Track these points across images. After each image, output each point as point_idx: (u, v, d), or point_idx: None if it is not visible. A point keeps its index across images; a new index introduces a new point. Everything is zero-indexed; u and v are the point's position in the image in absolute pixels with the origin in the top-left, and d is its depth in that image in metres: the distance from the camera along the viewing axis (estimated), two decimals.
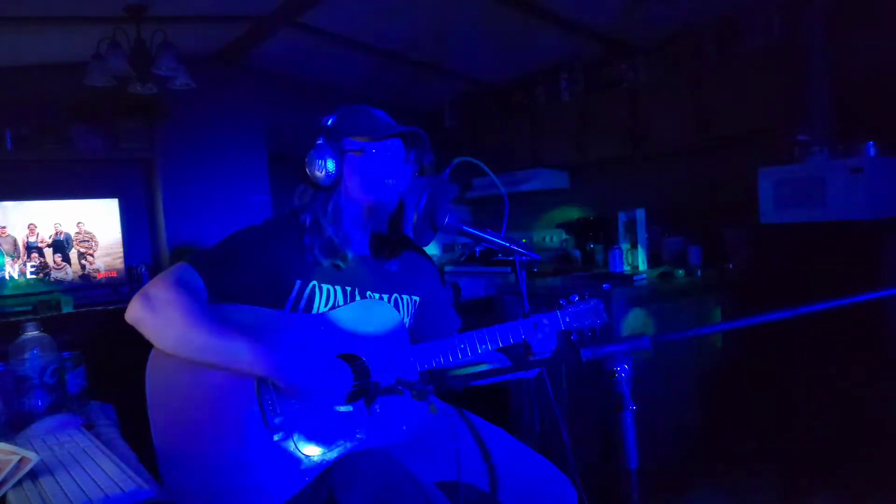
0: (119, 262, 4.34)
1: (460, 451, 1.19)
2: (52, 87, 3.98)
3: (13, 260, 3.99)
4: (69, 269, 4.18)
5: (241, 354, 1.22)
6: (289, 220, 1.43)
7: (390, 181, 1.40)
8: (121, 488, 1.00)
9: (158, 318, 1.23)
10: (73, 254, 4.20)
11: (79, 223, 4.21)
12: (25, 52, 3.85)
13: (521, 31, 3.98)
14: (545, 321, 1.46)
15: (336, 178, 1.39)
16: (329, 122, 1.43)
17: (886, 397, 2.48)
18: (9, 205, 3.99)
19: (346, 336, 1.36)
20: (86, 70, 3.37)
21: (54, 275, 4.12)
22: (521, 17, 3.76)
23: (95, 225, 4.27)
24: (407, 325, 1.51)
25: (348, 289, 1.42)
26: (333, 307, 1.39)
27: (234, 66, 4.70)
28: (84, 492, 0.99)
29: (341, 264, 1.40)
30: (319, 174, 1.38)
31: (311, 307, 1.37)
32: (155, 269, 4.50)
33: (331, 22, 3.98)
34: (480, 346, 1.42)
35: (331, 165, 1.38)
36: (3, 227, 3.96)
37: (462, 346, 1.41)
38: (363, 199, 1.42)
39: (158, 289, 1.25)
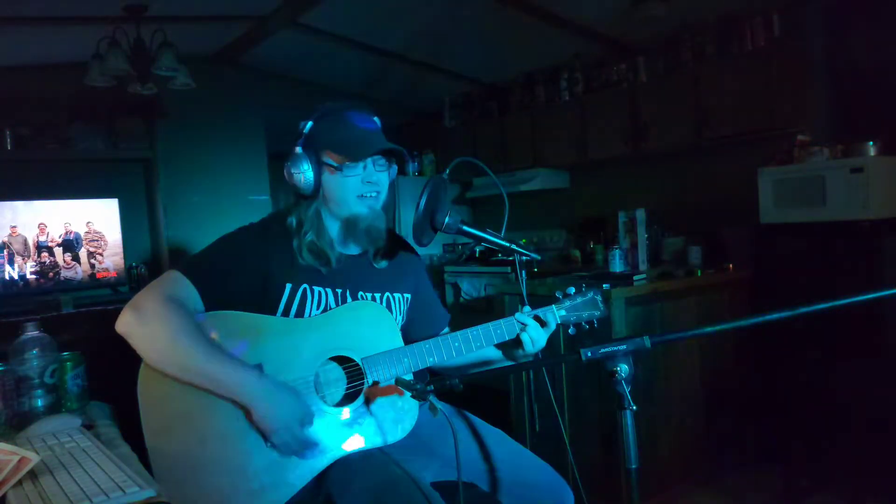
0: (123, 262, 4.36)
1: (460, 452, 1.18)
2: (52, 87, 3.98)
3: (24, 259, 4.00)
4: (79, 269, 4.18)
5: (218, 383, 1.22)
6: (277, 222, 1.42)
7: (364, 196, 1.38)
8: (121, 488, 1.00)
9: (144, 332, 1.22)
10: (82, 253, 4.20)
11: (88, 223, 4.22)
12: (25, 52, 3.85)
13: (521, 31, 3.98)
14: (542, 316, 1.45)
15: (315, 188, 1.37)
16: (306, 128, 1.39)
17: (886, 397, 2.48)
18: (19, 204, 4.00)
19: (338, 338, 1.35)
20: (86, 70, 3.37)
21: (64, 274, 4.13)
22: (520, 17, 3.76)
23: (104, 225, 4.27)
24: (400, 323, 1.50)
25: (339, 290, 1.40)
26: (325, 309, 1.38)
27: (234, 66, 4.70)
28: (84, 492, 0.99)
29: (324, 269, 1.39)
30: (299, 183, 1.37)
31: (304, 310, 1.36)
32: (155, 269, 4.50)
33: (331, 22, 3.98)
34: (475, 344, 1.42)
35: (309, 176, 1.36)
36: (14, 227, 3.97)
37: (456, 343, 1.41)
38: (340, 212, 1.40)
39: (148, 301, 1.24)
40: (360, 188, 1.38)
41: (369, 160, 1.38)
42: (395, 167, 1.45)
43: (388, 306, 1.48)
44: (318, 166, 1.37)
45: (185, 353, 1.20)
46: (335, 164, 1.36)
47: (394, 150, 1.39)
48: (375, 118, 1.45)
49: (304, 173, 1.36)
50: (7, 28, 3.45)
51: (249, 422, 1.25)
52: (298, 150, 1.37)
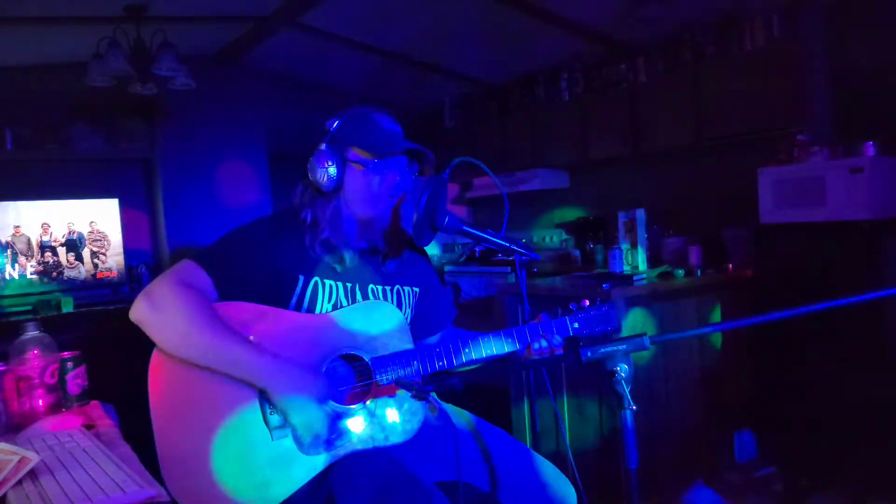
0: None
1: (460, 451, 1.19)
2: (52, 87, 3.98)
3: (27, 259, 4.00)
4: (82, 269, 4.19)
5: (238, 364, 1.23)
6: (290, 216, 1.43)
7: (390, 197, 1.40)
8: (121, 488, 1.00)
9: (161, 318, 1.23)
10: (85, 253, 4.21)
11: (91, 222, 4.23)
12: (26, 52, 3.85)
13: (521, 31, 3.98)
14: (554, 328, 1.44)
15: (337, 186, 1.39)
16: (334, 126, 1.41)
17: (886, 397, 2.48)
18: (22, 204, 4.00)
19: (349, 336, 1.36)
20: (86, 70, 3.37)
21: (67, 273, 4.14)
22: (520, 17, 3.76)
23: (106, 224, 4.28)
24: (409, 316, 1.51)
25: (349, 285, 1.42)
26: (336, 303, 1.39)
27: (234, 66, 4.70)
28: (84, 492, 0.99)
29: (338, 266, 1.40)
30: (321, 180, 1.37)
31: (315, 303, 1.37)
32: (155, 269, 4.50)
33: (331, 22, 3.98)
34: (486, 352, 1.42)
35: (332, 172, 1.37)
36: (18, 227, 3.97)
37: (466, 349, 1.41)
38: (360, 211, 1.41)
39: (163, 288, 1.25)
40: (383, 188, 1.40)
41: (393, 161, 1.40)
42: (415, 167, 1.47)
43: (399, 299, 1.49)
44: (343, 164, 1.38)
45: (201, 336, 1.21)
46: (362, 161, 1.38)
47: (418, 151, 1.42)
48: (398, 124, 1.48)
49: (327, 169, 1.37)
50: (7, 28, 3.45)
51: (257, 414, 1.26)
52: (324, 146, 1.38)
